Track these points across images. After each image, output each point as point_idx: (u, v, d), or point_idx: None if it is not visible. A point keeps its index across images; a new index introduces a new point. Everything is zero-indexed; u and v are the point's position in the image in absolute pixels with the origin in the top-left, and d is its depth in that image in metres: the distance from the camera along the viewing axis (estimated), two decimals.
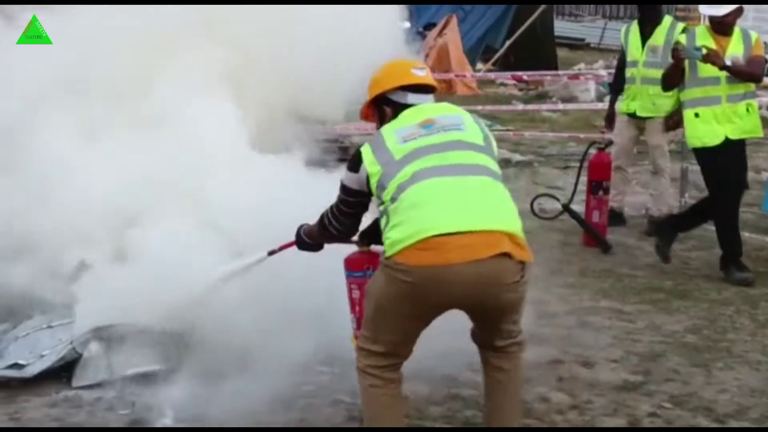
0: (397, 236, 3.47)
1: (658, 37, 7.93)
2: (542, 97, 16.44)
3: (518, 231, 3.53)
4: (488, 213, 3.51)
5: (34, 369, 4.68)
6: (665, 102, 7.84)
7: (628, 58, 8.17)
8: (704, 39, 6.99)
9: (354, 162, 3.75)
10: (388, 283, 3.53)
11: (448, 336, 4.73)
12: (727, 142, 6.58)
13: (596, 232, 7.59)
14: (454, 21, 18.15)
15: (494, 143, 3.82)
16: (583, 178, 8.13)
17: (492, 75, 17.27)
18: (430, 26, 18.38)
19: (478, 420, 4.45)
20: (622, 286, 6.60)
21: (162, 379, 4.64)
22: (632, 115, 8.08)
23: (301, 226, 4.20)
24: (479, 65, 18.68)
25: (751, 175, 7.97)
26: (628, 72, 8.14)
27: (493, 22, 20.64)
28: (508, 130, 12.67)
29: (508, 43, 19.62)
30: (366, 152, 3.70)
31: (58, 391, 4.64)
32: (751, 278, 6.75)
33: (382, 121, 3.93)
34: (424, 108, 3.83)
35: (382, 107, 3.93)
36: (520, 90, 17.29)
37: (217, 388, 4.50)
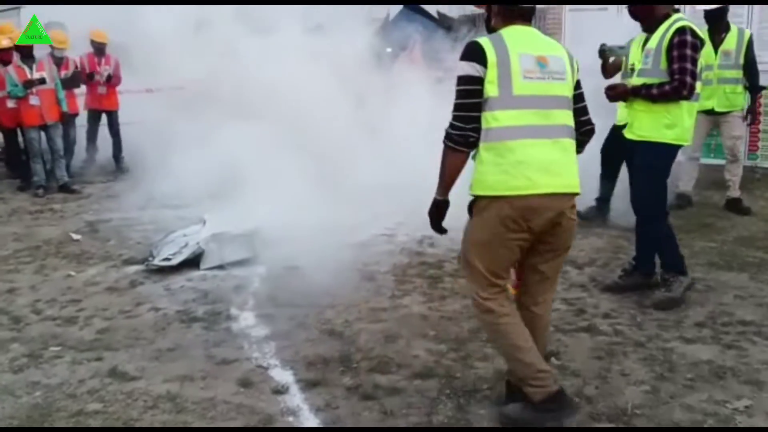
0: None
1: (730, 42, 5.81)
2: None
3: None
4: (563, 176, 2.46)
5: (177, 260, 4.66)
6: (738, 98, 5.88)
7: (704, 62, 4.43)
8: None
9: (475, 53, 2.37)
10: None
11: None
12: None
13: None
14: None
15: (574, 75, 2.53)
16: None
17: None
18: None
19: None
20: None
21: (251, 263, 4.65)
22: (708, 112, 5.82)
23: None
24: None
25: None
26: (703, 75, 4.99)
27: None
28: None
29: None
30: (490, 53, 2.37)
31: (191, 272, 4.60)
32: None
33: (489, 19, 2.56)
34: (533, 36, 2.48)
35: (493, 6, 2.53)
36: None
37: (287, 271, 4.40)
